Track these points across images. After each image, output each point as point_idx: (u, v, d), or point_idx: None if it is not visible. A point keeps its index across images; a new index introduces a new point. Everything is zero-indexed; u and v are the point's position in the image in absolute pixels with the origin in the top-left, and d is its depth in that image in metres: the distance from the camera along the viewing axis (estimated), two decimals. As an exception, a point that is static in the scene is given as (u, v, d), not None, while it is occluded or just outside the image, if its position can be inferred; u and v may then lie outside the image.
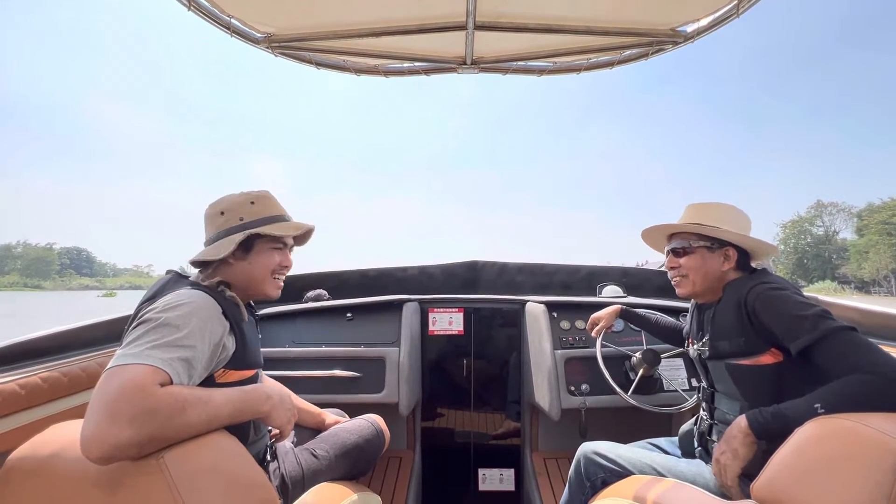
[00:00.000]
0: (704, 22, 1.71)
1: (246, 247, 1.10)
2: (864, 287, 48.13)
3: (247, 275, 1.11)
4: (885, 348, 0.97)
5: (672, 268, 1.33)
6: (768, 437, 0.99)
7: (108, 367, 0.78)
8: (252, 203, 1.13)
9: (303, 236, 1.28)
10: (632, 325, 1.92)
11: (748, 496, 0.89)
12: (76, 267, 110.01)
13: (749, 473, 0.97)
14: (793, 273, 52.49)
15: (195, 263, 1.11)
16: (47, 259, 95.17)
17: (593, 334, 1.78)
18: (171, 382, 0.80)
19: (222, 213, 1.12)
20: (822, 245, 53.42)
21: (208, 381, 0.95)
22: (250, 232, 1.09)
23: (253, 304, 1.22)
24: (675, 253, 1.32)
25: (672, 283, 1.36)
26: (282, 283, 1.19)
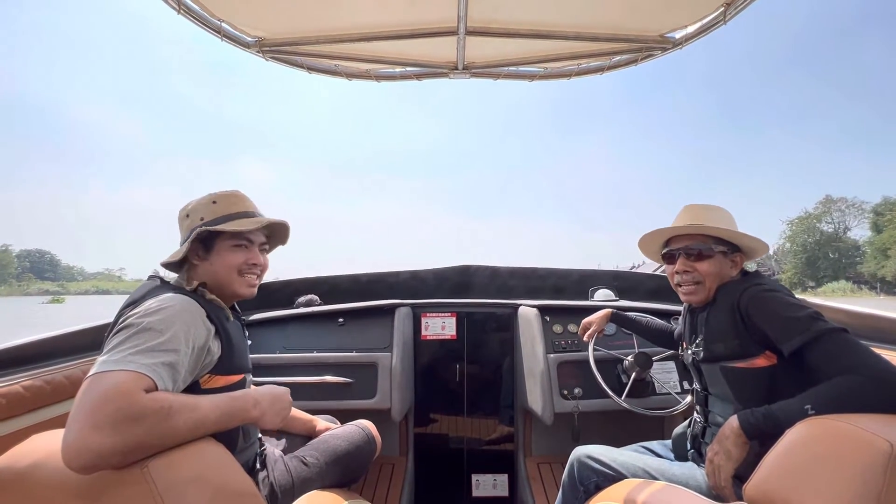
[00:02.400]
0: (692, 28, 1.73)
1: (207, 247, 1.09)
2: (884, 287, 42.48)
3: (211, 275, 1.10)
4: (878, 350, 0.98)
5: (685, 272, 1.24)
6: (759, 438, 0.99)
7: (89, 374, 0.77)
8: (214, 202, 1.12)
9: (281, 234, 1.26)
10: (623, 329, 1.93)
11: (741, 498, 0.89)
12: (37, 271, 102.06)
13: (741, 475, 0.97)
14: (802, 274, 48.40)
15: (167, 266, 1.11)
16: (2, 262, 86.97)
17: (585, 339, 1.78)
18: (156, 388, 0.79)
19: (187, 216, 1.12)
20: (833, 243, 48.72)
21: (193, 388, 0.94)
22: (202, 229, 1.07)
23: (238, 308, 1.20)
24: (692, 256, 1.23)
25: (680, 289, 1.28)
26: (254, 282, 1.17)
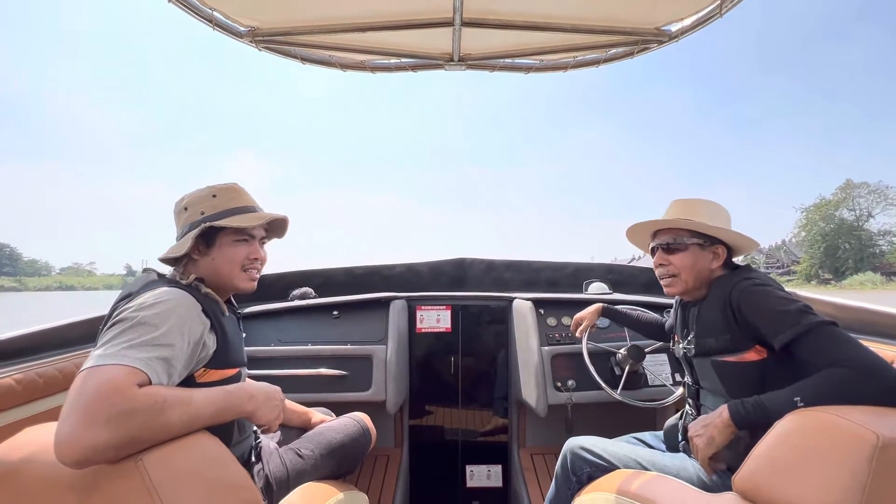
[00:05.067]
0: (688, 21, 1.73)
1: (208, 241, 1.08)
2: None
3: (212, 270, 1.09)
4: (867, 343, 0.99)
5: (661, 265, 1.29)
6: (749, 428, 1.01)
7: (82, 367, 0.76)
8: (214, 196, 1.11)
9: (279, 228, 1.25)
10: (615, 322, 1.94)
11: (730, 489, 0.91)
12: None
13: (731, 466, 0.99)
14: (820, 265, 44.81)
15: (164, 261, 1.09)
16: (-51, 257, 79.11)
17: (577, 334, 1.80)
18: (150, 383, 0.78)
19: (186, 209, 1.10)
20: (854, 231, 44.39)
21: (188, 381, 0.93)
22: (207, 225, 1.05)
23: (234, 301, 1.20)
24: (666, 250, 1.28)
25: (661, 282, 1.32)
26: (255, 276, 1.16)
